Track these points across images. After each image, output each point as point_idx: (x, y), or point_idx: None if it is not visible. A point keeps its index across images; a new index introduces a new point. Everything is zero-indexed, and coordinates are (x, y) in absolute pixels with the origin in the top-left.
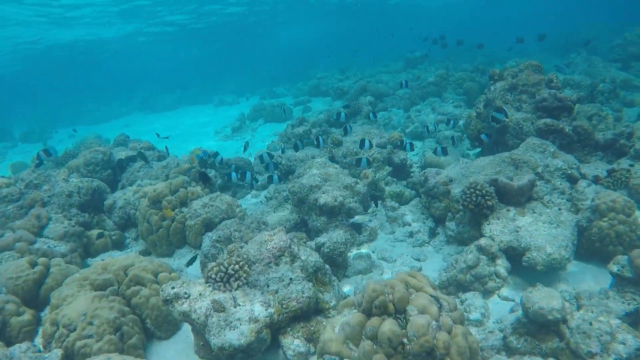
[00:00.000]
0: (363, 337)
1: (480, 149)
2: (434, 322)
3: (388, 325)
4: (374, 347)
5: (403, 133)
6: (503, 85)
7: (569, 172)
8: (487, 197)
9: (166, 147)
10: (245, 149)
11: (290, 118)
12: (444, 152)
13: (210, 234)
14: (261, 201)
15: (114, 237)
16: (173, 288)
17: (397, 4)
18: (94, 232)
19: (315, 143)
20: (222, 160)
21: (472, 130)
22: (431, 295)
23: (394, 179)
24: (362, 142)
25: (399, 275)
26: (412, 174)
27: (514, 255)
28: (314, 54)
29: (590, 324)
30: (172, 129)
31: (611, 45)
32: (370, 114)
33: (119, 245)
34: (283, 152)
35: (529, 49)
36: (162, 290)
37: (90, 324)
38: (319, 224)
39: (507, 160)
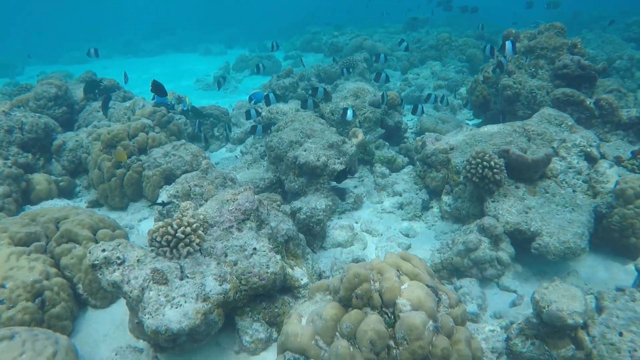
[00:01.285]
0: (337, 334)
1: (482, 119)
2: (430, 322)
3: (371, 323)
4: (351, 349)
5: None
6: (518, 47)
7: (588, 150)
8: (495, 170)
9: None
10: (219, 86)
11: (280, 70)
12: (436, 107)
13: (167, 187)
14: (236, 156)
15: (61, 184)
16: (103, 250)
17: None
18: (37, 176)
19: (306, 97)
20: (190, 106)
21: (477, 97)
22: (428, 286)
23: (386, 143)
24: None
25: (389, 258)
26: (406, 139)
27: (521, 240)
28: (314, 9)
29: (621, 334)
30: (153, 74)
31: (627, 23)
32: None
33: (68, 193)
34: (268, 102)
35: (535, 19)
36: (89, 253)
37: (2, 286)
38: (296, 186)
39: (519, 130)
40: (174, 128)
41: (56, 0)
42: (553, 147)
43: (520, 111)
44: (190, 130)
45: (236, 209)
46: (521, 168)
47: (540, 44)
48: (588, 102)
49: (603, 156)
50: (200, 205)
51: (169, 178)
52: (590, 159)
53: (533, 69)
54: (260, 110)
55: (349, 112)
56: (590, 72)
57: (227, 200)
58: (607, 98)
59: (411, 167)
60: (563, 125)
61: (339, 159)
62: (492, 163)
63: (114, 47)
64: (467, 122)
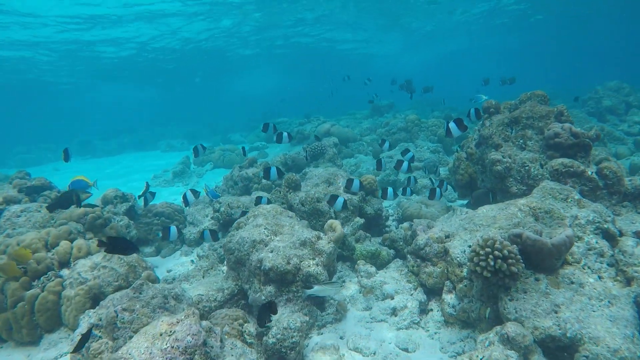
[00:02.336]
0: None
1: (468, 200)
2: None
3: None
4: None
5: None
6: (501, 119)
7: (605, 226)
8: (509, 261)
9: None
10: (144, 193)
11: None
12: (432, 194)
13: (90, 312)
14: (192, 260)
15: None
16: None
17: (353, 53)
18: None
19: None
20: (135, 206)
21: (462, 175)
22: None
23: (367, 235)
24: (350, 181)
25: None
26: (388, 228)
27: (554, 349)
28: (275, 103)
29: None
30: (109, 175)
31: (583, 98)
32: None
33: None
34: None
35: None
36: None
37: None
38: (263, 297)
39: (523, 209)
40: (111, 233)
41: (5, 102)
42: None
43: (514, 187)
44: (134, 233)
45: (173, 348)
46: (539, 255)
47: (525, 113)
48: (590, 173)
49: (621, 233)
50: (130, 338)
51: (97, 298)
52: (609, 237)
53: (521, 140)
54: (218, 205)
55: (339, 201)
56: (584, 140)
57: (161, 334)
58: (611, 166)
59: (400, 261)
60: (569, 200)
61: (313, 259)
62: (506, 252)
63: (70, 148)
64: (450, 203)
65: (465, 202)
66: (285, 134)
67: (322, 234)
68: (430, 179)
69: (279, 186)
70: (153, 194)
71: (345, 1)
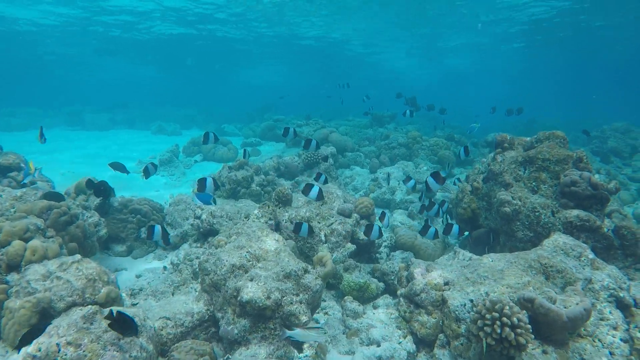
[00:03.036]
0: None
1: (467, 233)
2: None
3: None
4: None
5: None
6: (515, 156)
7: (620, 294)
8: (518, 330)
9: (32, 165)
10: (147, 175)
11: (235, 159)
12: (410, 214)
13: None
14: (165, 266)
15: None
16: None
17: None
18: None
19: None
20: (109, 198)
21: (465, 210)
22: None
23: (358, 264)
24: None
25: None
26: (379, 255)
27: None
28: (275, 99)
29: None
30: (94, 152)
31: (588, 137)
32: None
33: None
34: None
35: (494, 126)
36: None
37: None
38: (236, 331)
39: (534, 265)
40: (76, 232)
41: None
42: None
43: (520, 232)
44: (104, 233)
45: None
46: (551, 326)
47: (542, 154)
48: (605, 230)
49: (636, 302)
50: None
51: (46, 314)
52: (623, 306)
53: (534, 183)
54: (200, 212)
55: (303, 228)
56: (602, 192)
57: None
58: (630, 226)
59: (389, 298)
60: (582, 259)
61: (297, 295)
62: (515, 320)
63: (59, 117)
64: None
65: (464, 235)
66: (292, 129)
67: (309, 267)
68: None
69: (268, 193)
70: (155, 166)
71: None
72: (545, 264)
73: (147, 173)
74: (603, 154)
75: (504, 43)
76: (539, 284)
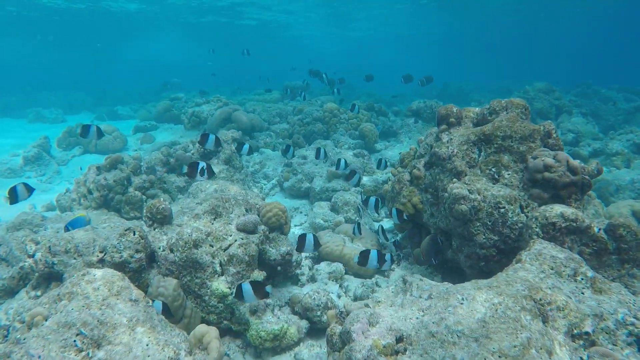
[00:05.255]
0: None
1: (405, 233)
2: None
3: None
4: None
5: (280, 187)
6: (465, 134)
7: (637, 330)
8: None
9: None
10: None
11: (125, 148)
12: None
13: None
14: None
15: None
16: None
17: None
18: None
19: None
20: None
21: (404, 205)
22: None
23: (267, 303)
24: (246, 221)
25: None
26: (300, 279)
27: None
28: (176, 74)
29: None
30: None
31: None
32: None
33: None
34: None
35: (410, 94)
36: None
37: None
38: None
39: (526, 305)
40: None
41: None
42: (585, 333)
43: (481, 236)
44: None
45: None
46: None
47: (501, 130)
48: (596, 230)
49: None
50: None
51: None
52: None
53: (493, 169)
54: (32, 247)
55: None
56: (583, 177)
57: None
58: (630, 224)
59: (314, 344)
60: (579, 278)
61: None
62: None
63: None
64: (378, 224)
65: (402, 235)
66: (93, 127)
67: (183, 352)
68: (358, 206)
69: (153, 197)
70: (29, 189)
71: None
72: (541, 299)
73: (13, 197)
74: (531, 118)
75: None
76: (539, 339)
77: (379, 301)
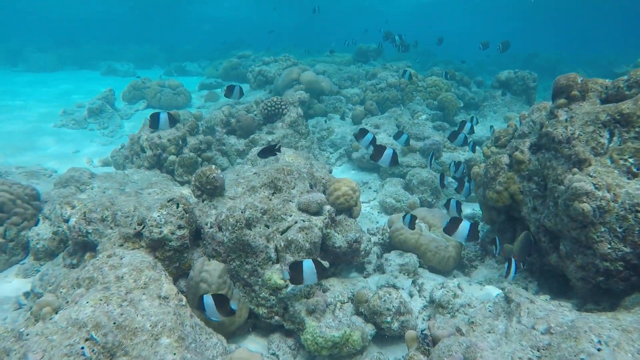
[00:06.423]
0: None
1: (492, 227)
2: None
3: None
4: None
5: (348, 158)
6: (591, 112)
7: None
8: None
9: None
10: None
11: (189, 105)
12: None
13: None
14: (27, 292)
15: None
16: None
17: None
18: None
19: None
20: None
21: (498, 194)
22: None
23: (327, 303)
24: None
25: None
26: (366, 269)
27: None
28: (247, 33)
29: None
30: (27, 96)
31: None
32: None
33: None
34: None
35: (492, 64)
36: None
37: None
38: None
39: None
40: None
41: None
42: None
43: (605, 244)
44: None
45: None
46: None
47: None
48: None
49: None
50: None
51: None
52: None
53: (631, 160)
54: (68, 211)
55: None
56: None
57: None
58: None
59: (381, 357)
60: None
61: None
62: None
63: None
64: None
65: (488, 228)
66: (237, 88)
67: None
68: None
69: (209, 160)
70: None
71: None
72: None
73: (154, 123)
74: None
75: None
76: None
77: (473, 322)
